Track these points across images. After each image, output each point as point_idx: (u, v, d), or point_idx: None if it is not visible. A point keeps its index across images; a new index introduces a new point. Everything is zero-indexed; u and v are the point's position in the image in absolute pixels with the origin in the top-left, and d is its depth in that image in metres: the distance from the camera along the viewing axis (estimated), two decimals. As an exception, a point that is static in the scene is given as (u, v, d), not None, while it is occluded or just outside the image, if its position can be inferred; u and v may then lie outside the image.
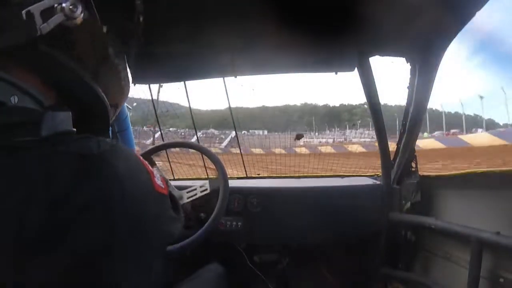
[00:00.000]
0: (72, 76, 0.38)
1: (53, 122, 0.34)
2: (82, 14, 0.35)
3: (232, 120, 2.16)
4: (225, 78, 1.45)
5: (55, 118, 0.34)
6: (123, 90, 0.49)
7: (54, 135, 0.33)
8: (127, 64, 0.48)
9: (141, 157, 0.43)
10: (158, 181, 0.42)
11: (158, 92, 1.53)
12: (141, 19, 0.49)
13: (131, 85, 1.38)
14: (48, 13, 0.33)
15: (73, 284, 0.29)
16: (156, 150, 1.05)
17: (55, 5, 0.33)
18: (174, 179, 1.66)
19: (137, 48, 0.52)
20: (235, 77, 1.25)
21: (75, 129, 0.37)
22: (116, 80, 0.46)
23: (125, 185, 0.34)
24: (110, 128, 0.49)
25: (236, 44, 1.02)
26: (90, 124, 0.43)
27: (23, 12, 0.31)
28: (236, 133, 2.48)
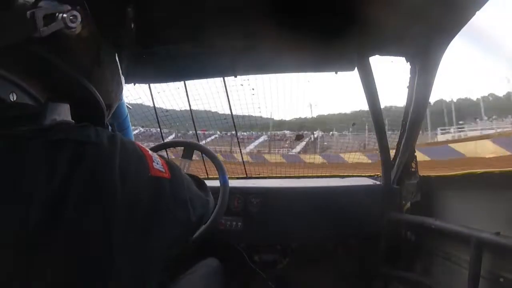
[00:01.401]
0: (68, 76, 0.39)
1: (53, 113, 0.35)
2: (80, 26, 0.38)
3: (233, 120, 2.14)
4: (225, 78, 1.46)
5: (54, 109, 0.36)
6: (116, 90, 0.50)
7: (54, 124, 0.34)
8: (120, 67, 0.49)
9: (139, 143, 0.43)
10: (157, 165, 0.41)
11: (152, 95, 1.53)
12: (132, 25, 0.51)
13: (131, 85, 1.39)
14: (49, 19, 0.35)
15: (73, 282, 0.29)
16: (156, 149, 1.05)
17: (57, 13, 0.35)
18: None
19: (131, 50, 0.54)
20: (235, 77, 1.26)
21: (73, 121, 0.38)
22: (109, 81, 0.47)
23: (122, 176, 0.34)
24: (110, 128, 0.50)
25: (236, 44, 1.02)
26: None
27: (28, 12, 0.33)
28: (236, 134, 2.37)
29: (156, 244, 0.39)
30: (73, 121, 0.38)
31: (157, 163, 0.41)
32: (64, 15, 0.36)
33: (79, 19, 0.37)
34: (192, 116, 1.88)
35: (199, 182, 0.61)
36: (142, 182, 0.37)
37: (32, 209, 0.28)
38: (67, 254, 0.29)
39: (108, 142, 0.35)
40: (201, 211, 0.51)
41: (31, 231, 0.28)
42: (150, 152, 0.42)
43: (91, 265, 0.30)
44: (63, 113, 0.37)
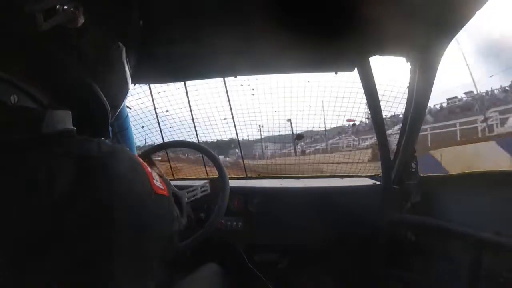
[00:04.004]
0: (71, 76, 0.38)
1: (53, 120, 0.34)
2: (82, 17, 0.36)
3: (233, 122, 2.12)
4: (225, 78, 1.46)
5: (55, 117, 0.35)
6: (122, 90, 0.49)
7: (55, 133, 0.33)
8: (126, 65, 0.48)
9: (141, 159, 0.43)
10: (157, 183, 0.42)
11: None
12: (141, 23, 0.50)
13: (131, 85, 1.39)
14: (50, 13, 0.34)
15: (72, 283, 0.29)
16: (156, 150, 1.05)
17: (57, 6, 0.34)
18: (174, 179, 1.66)
19: (136, 48, 0.52)
20: (235, 77, 1.26)
21: (75, 128, 0.37)
22: (115, 80, 0.46)
23: (124, 188, 0.34)
24: (110, 128, 0.49)
25: (236, 44, 1.02)
26: (90, 124, 0.43)
27: (27, 7, 0.32)
28: (238, 141, 2.31)
29: (154, 256, 0.40)
30: (75, 128, 0.38)
31: (157, 181, 0.42)
32: (65, 6, 0.34)
33: (81, 11, 0.36)
34: (193, 118, 1.88)
35: (179, 201, 0.64)
36: (145, 199, 0.38)
37: (31, 219, 0.28)
38: (67, 259, 0.29)
39: (110, 157, 0.35)
40: (176, 229, 0.53)
41: (30, 240, 0.28)
42: (149, 169, 0.43)
43: (90, 268, 0.30)
44: (64, 120, 0.36)
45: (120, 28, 0.45)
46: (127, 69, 0.48)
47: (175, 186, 0.92)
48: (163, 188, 0.43)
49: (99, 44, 0.41)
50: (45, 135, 0.32)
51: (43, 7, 0.33)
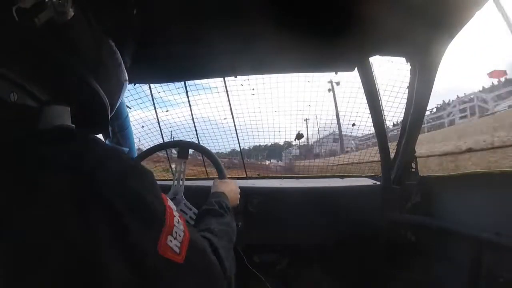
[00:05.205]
0: (69, 73, 0.38)
1: (51, 116, 0.34)
2: (71, 9, 0.36)
3: (234, 122, 2.11)
4: (225, 78, 1.46)
5: (52, 112, 0.35)
6: (119, 88, 0.48)
7: (52, 129, 0.33)
8: (123, 64, 0.47)
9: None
10: (173, 242, 0.35)
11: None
12: (134, 11, 0.48)
13: (131, 85, 1.39)
14: (39, 8, 0.33)
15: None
16: (154, 151, 1.05)
17: (46, 0, 0.34)
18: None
19: (134, 45, 0.52)
20: (235, 77, 1.26)
21: (73, 125, 0.37)
22: (110, 77, 0.45)
23: (123, 186, 0.33)
24: (110, 128, 0.49)
25: (236, 44, 1.02)
26: (90, 121, 0.43)
27: (14, 7, 0.32)
28: (238, 141, 2.26)
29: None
30: (73, 125, 0.37)
31: (175, 238, 0.35)
32: (53, 0, 0.34)
33: (70, 2, 0.35)
34: (193, 118, 1.88)
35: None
36: (145, 192, 0.34)
37: (30, 219, 0.28)
38: (67, 259, 0.29)
39: (109, 157, 0.33)
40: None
41: (29, 239, 0.27)
42: (175, 218, 0.36)
43: (90, 268, 0.30)
44: (62, 116, 0.36)
45: (115, 23, 0.44)
46: (122, 66, 0.48)
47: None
48: (177, 251, 0.35)
49: (94, 40, 0.41)
50: (43, 131, 0.32)
51: (33, 1, 0.33)
